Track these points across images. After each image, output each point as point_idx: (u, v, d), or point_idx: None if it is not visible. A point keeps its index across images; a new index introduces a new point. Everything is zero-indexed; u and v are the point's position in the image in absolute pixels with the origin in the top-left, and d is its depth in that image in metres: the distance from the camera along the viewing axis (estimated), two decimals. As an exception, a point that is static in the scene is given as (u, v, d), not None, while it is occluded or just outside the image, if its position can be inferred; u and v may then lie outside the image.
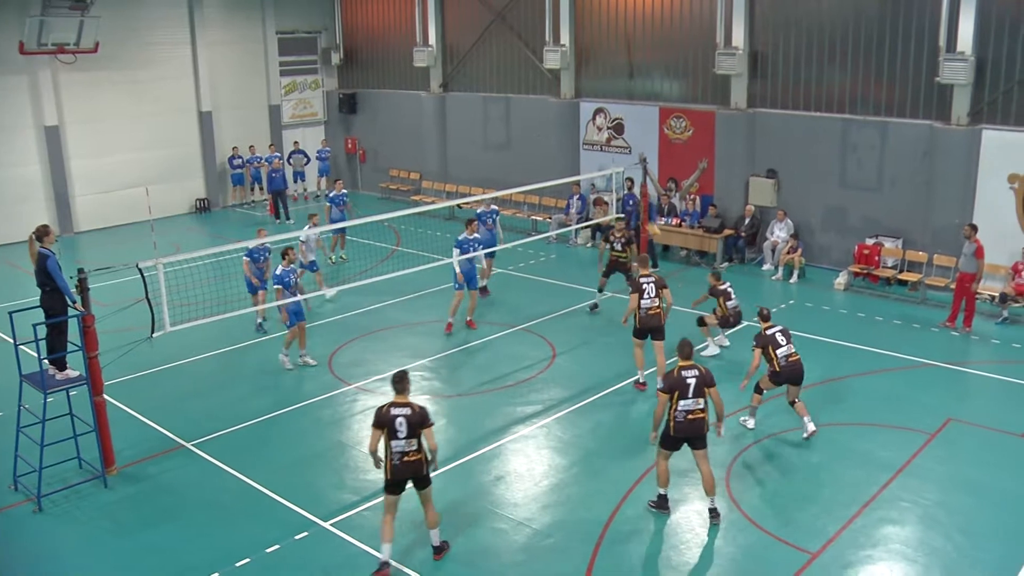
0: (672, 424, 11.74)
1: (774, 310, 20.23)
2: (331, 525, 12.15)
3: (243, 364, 18.23)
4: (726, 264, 23.76)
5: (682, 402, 11.57)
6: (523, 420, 15.26)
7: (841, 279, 21.95)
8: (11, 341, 12.94)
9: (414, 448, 10.64)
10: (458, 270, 19.04)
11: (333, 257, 25.24)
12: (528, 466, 13.70)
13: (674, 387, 11.58)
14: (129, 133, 31.09)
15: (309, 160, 35.02)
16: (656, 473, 12.17)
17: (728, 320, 17.65)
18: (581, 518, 12.23)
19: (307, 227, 20.93)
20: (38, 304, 13.41)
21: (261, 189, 34.04)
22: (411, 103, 33.58)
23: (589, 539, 11.66)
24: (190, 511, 12.70)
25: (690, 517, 12.11)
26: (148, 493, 13.24)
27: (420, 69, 32.86)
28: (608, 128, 27.78)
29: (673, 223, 24.75)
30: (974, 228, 18.77)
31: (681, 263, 24.48)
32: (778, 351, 14.05)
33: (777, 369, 14.04)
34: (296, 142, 35.01)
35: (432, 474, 11.06)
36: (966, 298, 18.78)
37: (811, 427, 14.09)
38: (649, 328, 15.94)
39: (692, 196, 25.00)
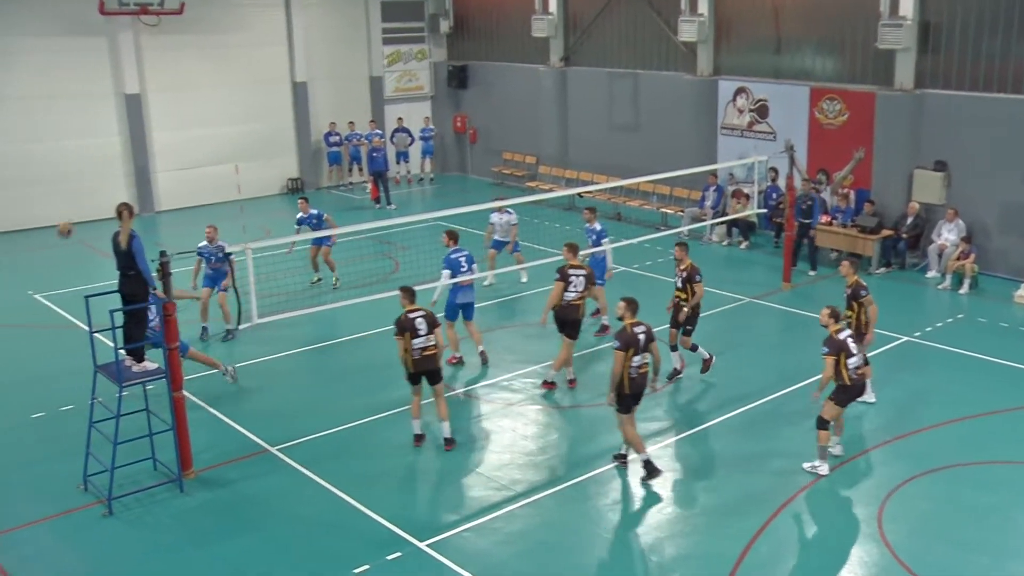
0: (627, 382, 13.25)
1: (939, 325, 19.74)
2: (427, 546, 12.17)
3: (336, 363, 18.48)
4: (883, 269, 23.22)
5: (636, 358, 13.07)
6: (647, 437, 15.04)
7: (1022, 291, 21.26)
8: (86, 328, 13.31)
9: (432, 343, 14.20)
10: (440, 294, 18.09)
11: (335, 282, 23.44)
12: (651, 491, 13.57)
13: (629, 343, 12.95)
14: (216, 104, 31.88)
15: (413, 140, 35.33)
16: (631, 442, 13.60)
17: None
18: (709, 552, 12.05)
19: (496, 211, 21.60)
20: (116, 289, 13.75)
21: (360, 170, 34.49)
22: (528, 78, 33.66)
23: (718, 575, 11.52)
24: (272, 523, 12.89)
25: (833, 560, 11.83)
26: (227, 501, 13.49)
27: (539, 40, 32.91)
28: (750, 110, 27.41)
29: (823, 221, 24.28)
30: None
31: (831, 267, 23.99)
32: (850, 361, 13.44)
33: (848, 383, 13.47)
34: (400, 119, 35.32)
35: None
36: None
37: (837, 450, 14.09)
38: (567, 320, 16.55)
39: (845, 190, 24.49)
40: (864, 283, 15.66)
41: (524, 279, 22.67)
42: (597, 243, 19.73)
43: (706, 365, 17.25)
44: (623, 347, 12.99)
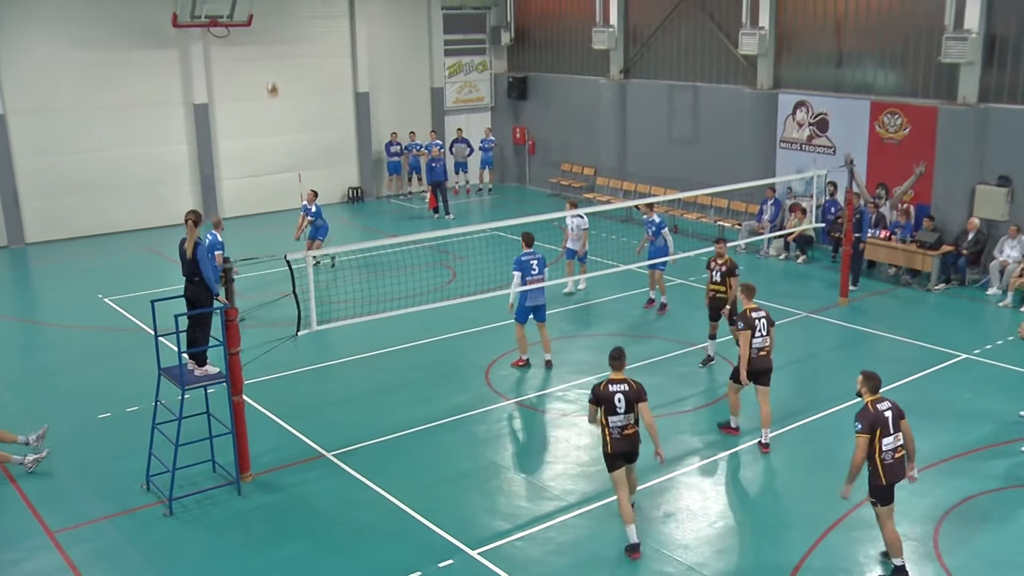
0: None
1: (999, 343, 19.44)
2: (479, 554, 12.22)
3: (392, 370, 18.59)
4: (942, 285, 22.96)
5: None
6: (699, 451, 15.07)
7: (1085, 309, 20.95)
8: (151, 332, 13.53)
9: (632, 422, 11.95)
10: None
11: (332, 261, 25.36)
12: (703, 503, 13.51)
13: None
14: (281, 114, 32.28)
15: (472, 150, 35.53)
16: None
17: None
18: (760, 567, 11.99)
19: (569, 215, 21.40)
20: (182, 294, 13.98)
21: (419, 180, 34.68)
22: (588, 90, 33.69)
23: (770, 592, 11.42)
24: (325, 528, 12.99)
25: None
26: (283, 505, 13.63)
27: (599, 52, 32.94)
28: (810, 124, 27.22)
29: (881, 236, 24.05)
30: None
31: (889, 282, 23.76)
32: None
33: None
34: (459, 129, 35.57)
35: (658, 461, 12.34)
36: None
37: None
38: (757, 372, 14.82)
39: (905, 205, 24.24)
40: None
41: (582, 286, 22.86)
42: (657, 234, 21.14)
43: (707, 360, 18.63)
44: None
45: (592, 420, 12.20)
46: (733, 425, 15.52)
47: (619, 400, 11.84)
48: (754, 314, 14.71)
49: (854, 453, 11.20)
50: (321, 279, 17.20)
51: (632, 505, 12.38)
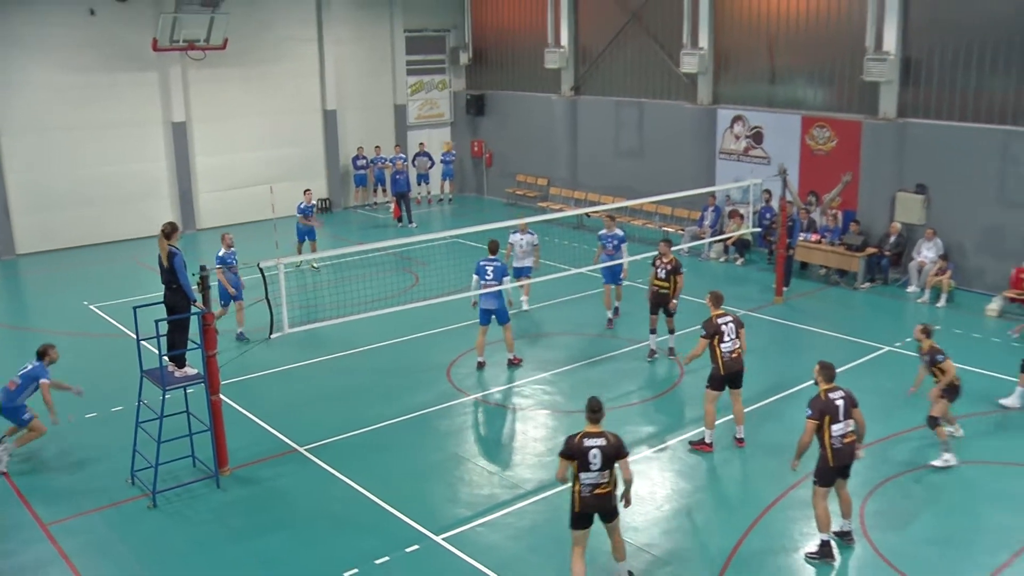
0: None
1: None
2: (443, 540, 12.24)
3: (359, 370, 18.53)
4: (867, 284, 23.20)
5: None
6: (647, 440, 15.14)
7: (994, 305, 21.18)
8: (134, 336, 13.44)
9: (606, 480, 10.35)
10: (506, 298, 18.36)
11: (314, 263, 25.43)
12: (650, 489, 13.57)
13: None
14: (254, 131, 32.10)
15: (433, 163, 35.53)
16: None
17: (958, 387, 14.39)
18: (704, 546, 12.10)
19: (515, 232, 21.08)
20: (162, 301, 13.89)
21: (384, 191, 34.61)
22: (541, 106, 33.75)
23: (712, 569, 11.48)
24: (300, 517, 12.97)
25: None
26: (259, 496, 13.59)
27: (551, 71, 32.99)
28: (746, 137, 27.43)
29: (812, 240, 24.28)
30: None
31: (819, 282, 23.98)
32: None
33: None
34: (422, 144, 35.54)
35: (621, 509, 10.68)
36: None
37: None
38: (731, 375, 14.56)
39: (834, 211, 24.49)
40: (938, 348, 14.45)
41: (525, 307, 21.92)
42: (618, 248, 20.36)
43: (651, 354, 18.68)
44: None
45: (561, 477, 10.58)
46: (707, 441, 14.65)
47: (595, 456, 10.23)
48: (720, 320, 14.48)
49: (802, 434, 11.43)
50: (292, 285, 17.18)
51: (630, 575, 11.17)
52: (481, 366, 18.27)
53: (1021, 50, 21.50)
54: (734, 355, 14.46)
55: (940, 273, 22.11)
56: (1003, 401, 16.25)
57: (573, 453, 10.28)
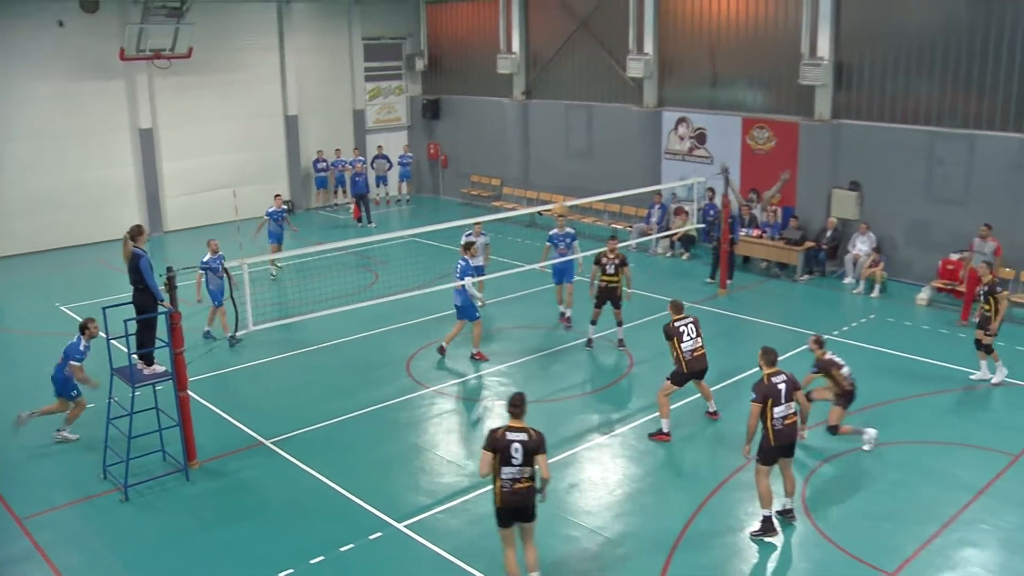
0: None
1: (854, 324, 20.01)
2: (405, 527, 12.27)
3: (322, 365, 18.48)
4: (806, 276, 23.48)
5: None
6: (599, 428, 15.25)
7: (924, 294, 21.53)
8: (104, 336, 13.36)
9: (527, 476, 10.08)
10: (471, 294, 18.10)
11: (275, 271, 25.03)
12: (602, 474, 13.69)
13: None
14: (218, 136, 31.83)
15: (391, 165, 35.48)
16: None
17: (852, 393, 14.29)
18: (654, 528, 12.19)
19: (468, 233, 20.59)
20: (130, 301, 13.79)
21: (344, 193, 34.47)
22: (494, 110, 33.76)
23: (662, 549, 11.60)
24: (267, 508, 12.94)
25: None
26: (228, 488, 13.53)
27: (503, 76, 33.01)
28: (690, 138, 27.61)
29: (754, 234, 24.52)
30: (990, 227, 19.82)
31: (761, 275, 24.23)
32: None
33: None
34: (380, 147, 35.45)
35: (539, 504, 10.39)
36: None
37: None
38: (696, 372, 14.79)
39: (773, 208, 24.75)
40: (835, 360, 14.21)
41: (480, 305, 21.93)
42: (570, 246, 20.19)
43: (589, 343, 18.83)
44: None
45: (484, 471, 10.19)
46: (665, 430, 14.66)
47: (516, 450, 9.96)
48: (679, 323, 14.65)
49: (748, 418, 11.60)
50: (257, 284, 17.15)
51: None
52: (441, 351, 18.35)
53: (945, 56, 21.89)
54: (697, 353, 14.62)
55: (874, 265, 22.43)
56: (973, 376, 16.87)
57: (496, 446, 10.01)
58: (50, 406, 15.00)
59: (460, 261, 17.92)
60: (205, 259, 19.28)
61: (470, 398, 16.72)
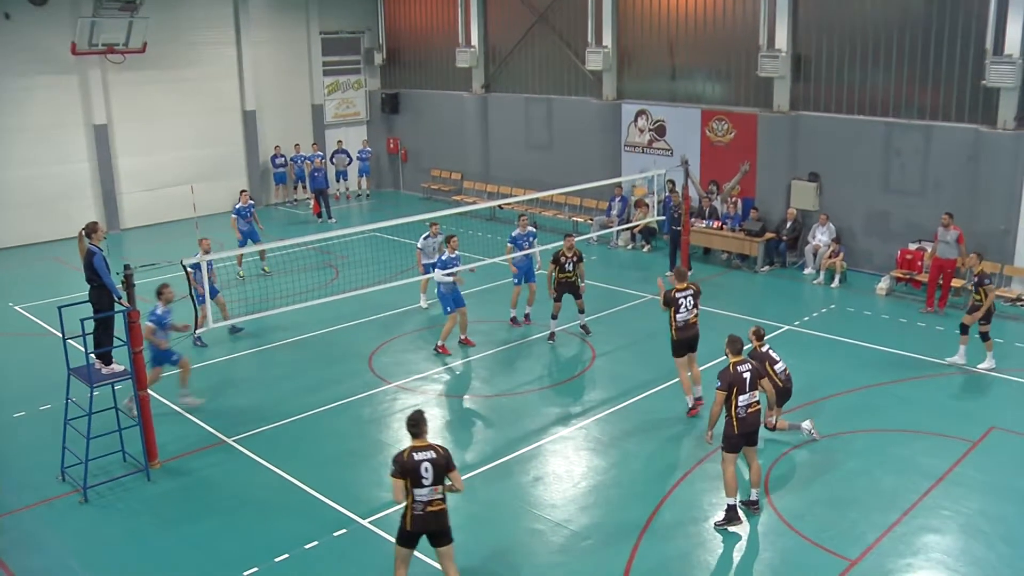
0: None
1: (815, 314, 20.16)
2: (369, 523, 12.20)
3: (282, 362, 18.34)
4: (767, 267, 23.62)
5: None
6: (562, 421, 15.25)
7: (883, 284, 21.74)
8: (60, 335, 13.14)
9: (439, 496, 9.62)
10: (443, 289, 18.22)
11: (242, 272, 23.93)
12: (567, 467, 13.69)
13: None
14: (175, 132, 31.47)
15: (351, 160, 35.31)
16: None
17: (786, 390, 14.16)
18: (619, 520, 12.21)
19: (425, 236, 20.53)
20: (86, 299, 13.61)
21: (304, 188, 34.25)
22: (453, 104, 33.68)
23: (627, 541, 11.62)
24: (230, 506, 12.83)
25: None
26: (190, 487, 13.39)
27: (462, 70, 32.95)
28: (650, 130, 27.68)
29: (714, 226, 24.63)
30: (951, 216, 19.89)
31: (722, 266, 24.35)
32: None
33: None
34: (339, 141, 35.26)
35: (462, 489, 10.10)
36: (943, 283, 20.19)
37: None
38: (689, 339, 14.98)
39: (733, 199, 24.87)
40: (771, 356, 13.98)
41: (425, 305, 21.29)
42: (532, 245, 20.11)
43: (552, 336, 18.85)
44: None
45: (399, 498, 9.63)
46: (697, 396, 15.23)
47: (426, 470, 9.49)
48: (679, 294, 14.83)
49: (712, 405, 11.76)
50: (225, 283, 17.03)
51: None
52: (442, 350, 18.35)
53: (900, 48, 22.11)
54: (688, 323, 14.88)
55: (833, 256, 22.61)
56: (950, 360, 17.17)
57: (405, 470, 9.49)
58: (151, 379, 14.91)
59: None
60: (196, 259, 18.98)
61: (431, 392, 16.63)
